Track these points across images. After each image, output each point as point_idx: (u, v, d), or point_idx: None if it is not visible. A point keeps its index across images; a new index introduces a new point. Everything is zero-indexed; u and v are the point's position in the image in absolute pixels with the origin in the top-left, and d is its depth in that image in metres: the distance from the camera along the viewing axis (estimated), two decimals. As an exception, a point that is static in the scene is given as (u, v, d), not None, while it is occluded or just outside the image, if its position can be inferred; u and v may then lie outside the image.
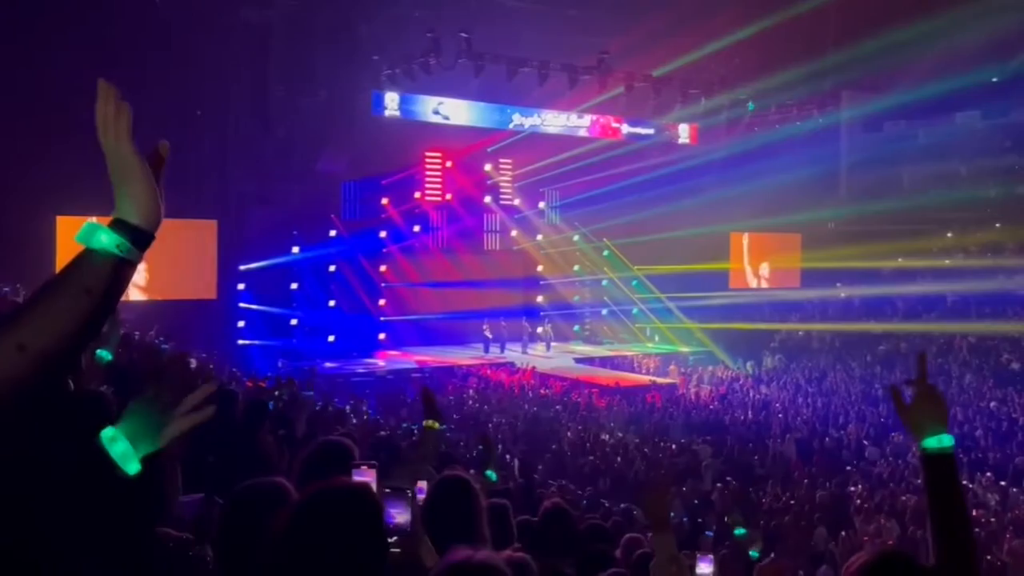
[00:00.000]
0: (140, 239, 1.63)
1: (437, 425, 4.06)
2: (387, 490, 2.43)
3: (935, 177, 33.29)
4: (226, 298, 25.91)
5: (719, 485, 13.40)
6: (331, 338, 27.91)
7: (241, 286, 26.54)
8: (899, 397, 2.41)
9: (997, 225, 33.13)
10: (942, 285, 31.58)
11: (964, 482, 13.77)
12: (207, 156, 22.31)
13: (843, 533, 10.96)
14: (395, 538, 2.36)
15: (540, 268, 33.12)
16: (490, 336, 29.85)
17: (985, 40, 30.00)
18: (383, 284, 29.86)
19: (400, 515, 2.37)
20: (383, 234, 29.25)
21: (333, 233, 27.63)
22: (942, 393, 2.38)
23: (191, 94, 21.90)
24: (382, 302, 29.64)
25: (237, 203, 25.81)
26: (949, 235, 33.84)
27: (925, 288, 31.85)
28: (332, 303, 27.96)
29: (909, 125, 34.68)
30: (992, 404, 20.21)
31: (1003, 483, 13.60)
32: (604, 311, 34.60)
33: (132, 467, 1.49)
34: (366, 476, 2.60)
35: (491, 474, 4.39)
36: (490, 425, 18.07)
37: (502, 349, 29.68)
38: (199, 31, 22.12)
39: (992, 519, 11.93)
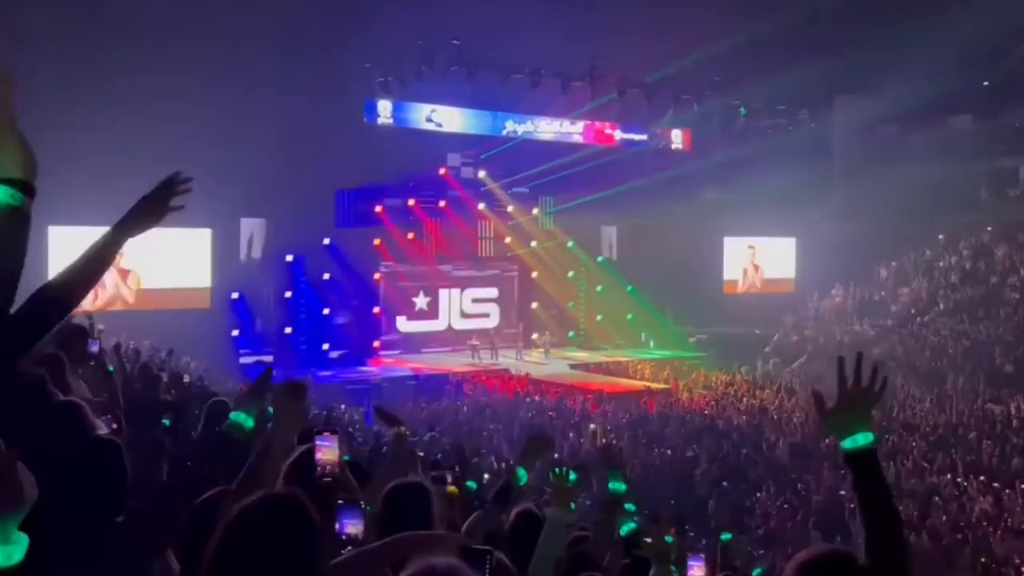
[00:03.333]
0: (27, 189, 2.01)
1: (404, 430, 4.10)
2: (340, 501, 2.47)
3: (927, 180, 33.40)
4: (220, 308, 25.91)
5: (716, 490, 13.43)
6: (325, 346, 27.89)
7: (235, 295, 26.53)
8: (820, 401, 2.41)
9: (989, 228, 33.25)
10: (935, 287, 31.68)
11: (959, 480, 13.83)
12: (200, 165, 22.26)
13: (838, 538, 10.99)
14: (347, 548, 2.40)
15: (535, 275, 33.13)
16: (478, 344, 29.82)
17: (975, 43, 30.13)
18: (377, 290, 29.86)
19: (352, 525, 2.42)
20: (377, 241, 29.24)
21: (327, 241, 27.61)
22: (873, 390, 2.38)
23: (180, 99, 21.86)
24: (376, 309, 29.62)
25: (230, 212, 25.79)
26: (941, 238, 33.97)
27: (918, 290, 31.94)
28: (326, 311, 27.94)
29: (901, 128, 34.81)
30: (986, 406, 20.24)
31: (996, 485, 13.63)
32: (599, 317, 34.62)
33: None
34: (328, 441, 2.73)
35: (522, 473, 4.14)
36: (484, 433, 18.07)
37: (493, 356, 29.61)
38: (191, 38, 22.14)
39: (985, 521, 11.96)
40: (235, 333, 26.25)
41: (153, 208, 2.44)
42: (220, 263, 26.04)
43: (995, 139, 34.59)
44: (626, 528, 3.81)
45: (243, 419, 2.67)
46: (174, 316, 23.68)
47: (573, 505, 3.65)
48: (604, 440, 15.66)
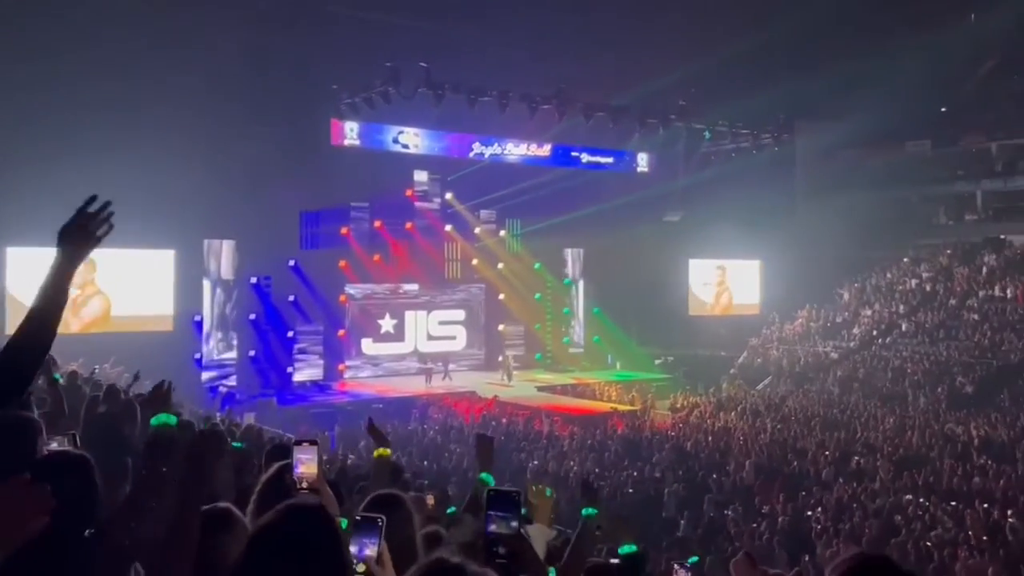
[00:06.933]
0: None
1: (387, 452, 4.10)
2: (358, 518, 2.37)
3: (888, 204, 34.00)
4: (183, 329, 25.55)
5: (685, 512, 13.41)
6: (290, 369, 27.61)
7: (198, 317, 26.20)
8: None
9: (948, 251, 33.88)
10: (896, 310, 32.15)
11: (921, 500, 13.95)
12: (164, 185, 22.01)
13: (805, 557, 11.02)
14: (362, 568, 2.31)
15: (502, 296, 33.10)
16: (431, 366, 29.64)
17: (933, 71, 30.86)
18: (343, 313, 29.66)
19: (370, 548, 2.25)
20: (343, 263, 29.06)
21: (292, 262, 27.39)
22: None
23: (143, 121, 21.65)
24: (342, 332, 29.40)
25: (195, 232, 25.53)
26: (906, 260, 34.54)
27: (880, 312, 32.39)
28: (291, 333, 27.66)
29: (862, 153, 35.44)
30: (947, 427, 20.48)
31: (954, 503, 13.78)
32: (565, 339, 34.68)
33: None
34: (307, 453, 2.64)
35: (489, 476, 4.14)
36: (446, 454, 17.94)
37: (446, 378, 29.41)
38: (158, 60, 21.96)
39: (948, 541, 12.05)
40: (198, 356, 25.89)
41: (78, 239, 2.48)
42: (183, 285, 25.70)
43: (953, 164, 35.39)
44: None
45: (164, 419, 2.64)
46: (136, 339, 23.32)
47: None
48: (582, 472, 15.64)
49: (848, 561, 1.96)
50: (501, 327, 33.24)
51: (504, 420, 22.45)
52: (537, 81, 28.66)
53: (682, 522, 12.96)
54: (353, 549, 2.25)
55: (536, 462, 17.47)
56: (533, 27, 29.01)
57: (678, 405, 26.30)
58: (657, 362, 32.41)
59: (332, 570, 1.87)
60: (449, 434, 20.52)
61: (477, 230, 32.53)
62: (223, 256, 27.01)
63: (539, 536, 3.29)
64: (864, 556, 2.00)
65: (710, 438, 19.85)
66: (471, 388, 27.86)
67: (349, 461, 13.80)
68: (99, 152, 21.02)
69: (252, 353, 26.88)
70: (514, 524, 2.41)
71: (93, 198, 2.51)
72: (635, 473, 16.59)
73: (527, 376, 31.20)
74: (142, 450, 2.78)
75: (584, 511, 3.89)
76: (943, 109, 36.62)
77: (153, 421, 2.68)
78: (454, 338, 32.43)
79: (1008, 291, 29.95)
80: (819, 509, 13.74)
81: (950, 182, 35.18)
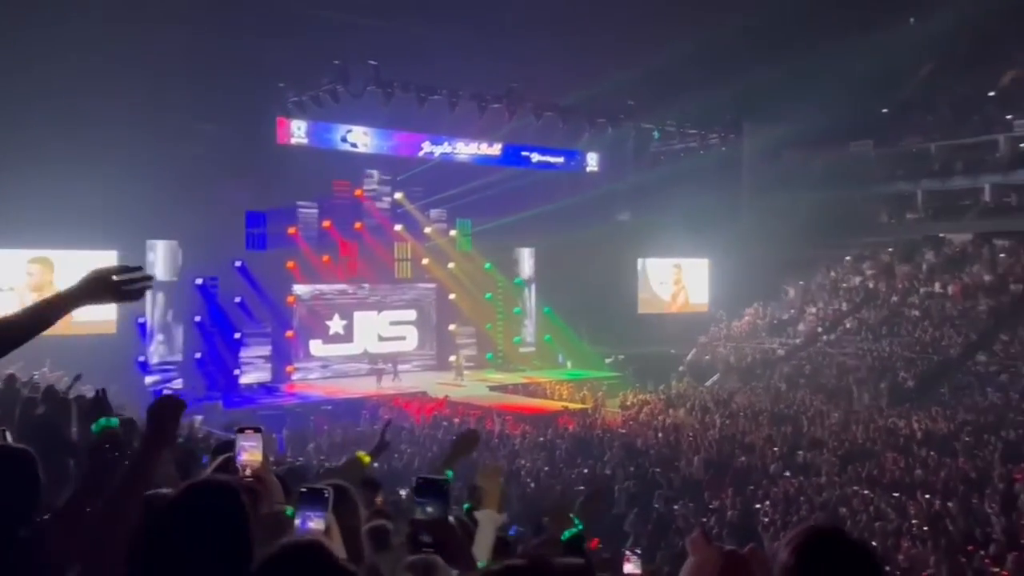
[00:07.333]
0: None
1: (367, 459, 4.00)
2: (303, 490, 2.30)
3: (832, 204, 34.65)
4: (126, 332, 24.97)
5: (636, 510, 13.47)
6: (237, 371, 27.18)
7: (142, 319, 25.64)
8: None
9: (890, 250, 34.63)
10: (840, 307, 32.77)
11: (866, 492, 14.22)
12: (105, 184, 21.50)
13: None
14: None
15: (452, 296, 32.98)
16: (383, 367, 29.40)
17: (875, 72, 31.53)
18: (291, 314, 29.27)
19: (315, 521, 2.21)
20: (290, 264, 28.67)
21: (238, 263, 26.94)
22: None
23: (88, 120, 21.13)
24: (290, 333, 29.02)
25: (137, 233, 24.96)
26: (848, 259, 35.22)
27: (825, 310, 32.99)
28: (237, 335, 27.22)
29: (806, 153, 36.06)
30: (890, 421, 20.92)
31: (896, 494, 14.07)
32: (517, 339, 34.67)
33: None
34: (251, 441, 2.56)
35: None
36: (396, 455, 17.80)
37: (396, 379, 29.20)
38: (100, 57, 21.45)
39: (890, 529, 12.30)
40: (142, 359, 25.34)
41: (107, 289, 2.44)
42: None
43: (894, 164, 36.19)
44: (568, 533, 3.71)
45: (105, 423, 2.58)
46: (76, 341, 22.71)
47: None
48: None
49: (802, 534, 1.96)
50: (452, 327, 33.11)
51: (456, 420, 22.35)
52: (487, 80, 28.61)
53: (630, 518, 13.01)
54: (297, 522, 2.22)
55: (490, 461, 17.45)
56: (483, 26, 28.94)
57: (628, 403, 26.44)
58: (607, 361, 32.57)
59: (229, 545, 1.84)
60: (400, 435, 20.36)
61: (427, 230, 32.35)
62: (167, 257, 26.44)
63: (488, 522, 3.22)
64: (816, 528, 2.01)
65: (660, 435, 19.99)
66: (422, 388, 27.65)
67: (299, 462, 13.61)
68: (38, 151, 20.52)
69: (198, 355, 26.38)
70: (442, 513, 2.38)
71: (137, 269, 2.50)
72: (586, 471, 16.64)
73: (478, 376, 31.12)
74: (87, 454, 2.69)
75: (565, 536, 3.70)
76: (884, 110, 37.47)
77: (94, 427, 2.59)
78: (404, 338, 32.21)
79: (949, 288, 30.72)
80: (767, 503, 13.93)
81: (891, 182, 35.96)
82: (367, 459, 4.03)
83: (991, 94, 35.46)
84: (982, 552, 10.89)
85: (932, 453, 17.06)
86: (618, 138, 33.44)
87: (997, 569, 10.24)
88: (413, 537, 2.41)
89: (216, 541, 1.84)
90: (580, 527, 3.31)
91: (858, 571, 1.89)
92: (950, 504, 13.10)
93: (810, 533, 1.97)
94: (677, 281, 36.98)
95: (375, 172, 30.89)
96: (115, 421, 2.61)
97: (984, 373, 25.87)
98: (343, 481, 3.08)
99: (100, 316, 24.44)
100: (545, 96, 29.95)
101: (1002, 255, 31.24)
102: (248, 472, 2.56)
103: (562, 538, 3.30)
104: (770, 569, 2.01)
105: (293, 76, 26.81)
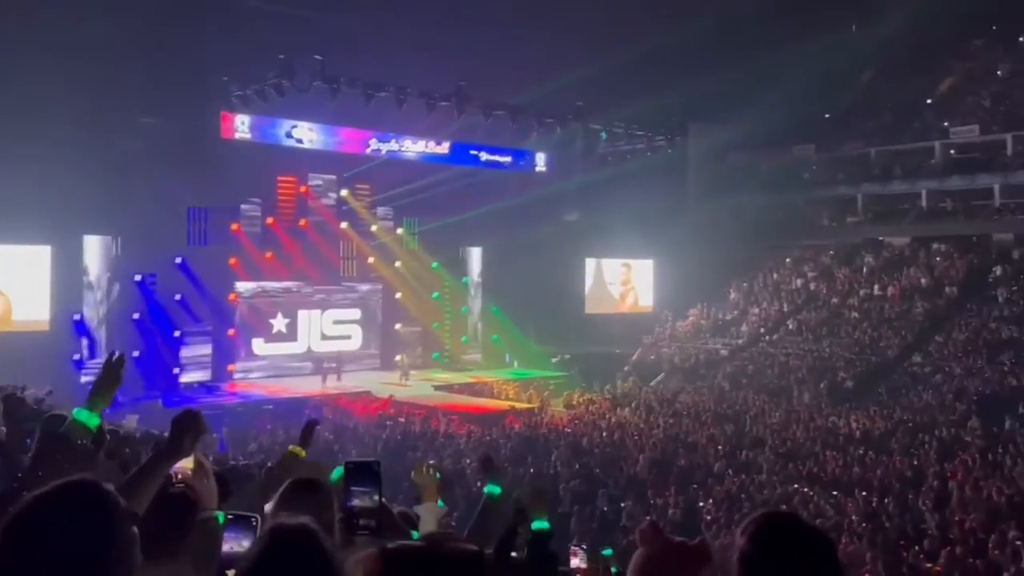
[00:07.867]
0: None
1: (303, 453, 3.97)
2: (230, 516, 2.28)
3: (775, 206, 35.20)
4: (60, 329, 24.28)
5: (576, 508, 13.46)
6: (176, 370, 26.61)
7: (77, 316, 24.94)
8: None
9: (831, 252, 35.30)
10: (782, 308, 33.30)
11: (806, 490, 14.42)
12: (40, 177, 20.86)
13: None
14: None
15: (399, 295, 32.72)
16: (330, 366, 29.10)
17: (818, 78, 32.09)
18: (232, 311, 28.74)
19: (242, 545, 2.19)
20: (232, 261, 28.14)
21: (179, 259, 26.36)
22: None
23: (22, 110, 20.46)
24: (231, 331, 28.49)
25: (73, 228, 24.28)
26: (789, 261, 35.81)
27: (767, 311, 33.49)
28: (177, 333, 26.63)
29: (751, 156, 36.59)
30: (830, 420, 21.30)
31: (835, 493, 14.31)
32: (464, 338, 34.57)
33: None
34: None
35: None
36: (341, 455, 17.57)
37: (338, 376, 28.93)
38: (36, 47, 20.78)
39: (829, 526, 12.48)
40: (77, 357, 24.64)
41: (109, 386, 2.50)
42: (61, 282, 24.41)
43: (835, 168, 36.91)
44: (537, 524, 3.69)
45: (86, 417, 2.37)
46: (7, 339, 22.04)
47: (441, 503, 3.82)
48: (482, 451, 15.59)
49: (757, 520, 1.94)
50: (398, 326, 32.87)
51: (401, 419, 22.17)
52: (436, 78, 28.44)
53: (573, 517, 13.01)
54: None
55: (432, 460, 17.31)
56: (432, 23, 28.78)
57: (574, 402, 26.54)
58: (554, 360, 32.66)
59: (92, 546, 1.67)
60: (344, 435, 20.12)
61: (373, 228, 32.06)
62: (104, 253, 25.76)
63: (428, 515, 3.32)
64: (772, 513, 1.99)
65: (605, 434, 20.07)
66: (366, 388, 27.40)
67: (240, 462, 13.35)
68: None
69: (136, 354, 25.73)
70: (376, 497, 2.37)
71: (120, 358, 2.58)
72: (532, 470, 16.60)
73: (424, 375, 30.93)
74: (39, 432, 2.58)
75: (487, 489, 3.81)
76: (827, 115, 38.20)
77: (75, 413, 2.41)
78: (349, 337, 31.86)
79: (887, 290, 31.41)
80: (710, 501, 14.05)
81: (833, 186, 36.64)
82: (303, 452, 4.00)
83: (929, 101, 36.38)
84: (916, 548, 11.10)
85: (870, 452, 17.40)
86: (566, 138, 33.54)
87: (930, 565, 10.43)
88: (348, 522, 2.35)
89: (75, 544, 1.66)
90: (547, 526, 3.30)
91: (813, 555, 1.89)
92: (887, 501, 13.35)
93: (766, 519, 1.96)
94: (626, 281, 37.26)
95: (320, 169, 30.50)
96: (96, 422, 2.42)
97: (919, 374, 26.48)
98: (317, 477, 3.04)
99: (34, 315, 23.86)
100: (494, 95, 29.90)
101: (938, 259, 32.05)
102: (179, 477, 2.48)
103: (531, 527, 3.30)
104: (715, 563, 2.00)
105: (237, 69, 26.30)
